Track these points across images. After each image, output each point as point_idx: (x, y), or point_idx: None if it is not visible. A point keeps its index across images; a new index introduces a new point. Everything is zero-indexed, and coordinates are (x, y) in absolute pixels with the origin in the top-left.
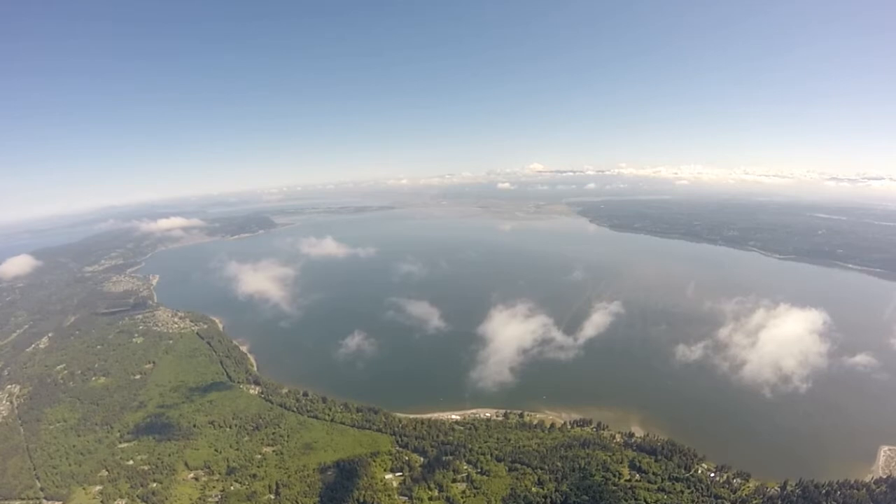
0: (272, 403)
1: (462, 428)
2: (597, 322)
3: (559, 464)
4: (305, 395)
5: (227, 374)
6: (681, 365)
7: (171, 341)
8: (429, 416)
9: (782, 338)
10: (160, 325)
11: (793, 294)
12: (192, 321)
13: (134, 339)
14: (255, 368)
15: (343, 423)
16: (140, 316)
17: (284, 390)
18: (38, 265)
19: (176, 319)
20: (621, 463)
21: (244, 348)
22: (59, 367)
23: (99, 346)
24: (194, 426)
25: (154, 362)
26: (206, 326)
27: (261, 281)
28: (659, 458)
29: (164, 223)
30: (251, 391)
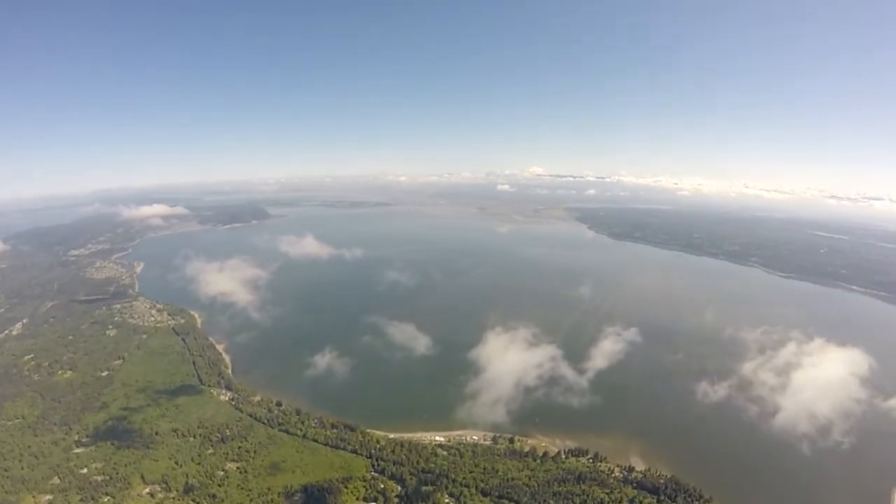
0: (242, 413)
1: (445, 453)
2: (599, 341)
3: (552, 501)
4: (279, 405)
5: (199, 376)
6: (685, 391)
7: (145, 336)
8: (410, 435)
9: (803, 368)
10: (136, 317)
11: (805, 317)
12: (169, 314)
13: (107, 331)
14: (229, 371)
15: (316, 441)
16: (118, 306)
17: (257, 398)
18: (12, 248)
19: (154, 312)
20: (620, 503)
21: (220, 347)
22: (26, 358)
23: (70, 337)
24: (156, 433)
25: (124, 358)
26: (183, 321)
27: (246, 276)
28: (662, 497)
29: (146, 210)
30: (222, 397)
